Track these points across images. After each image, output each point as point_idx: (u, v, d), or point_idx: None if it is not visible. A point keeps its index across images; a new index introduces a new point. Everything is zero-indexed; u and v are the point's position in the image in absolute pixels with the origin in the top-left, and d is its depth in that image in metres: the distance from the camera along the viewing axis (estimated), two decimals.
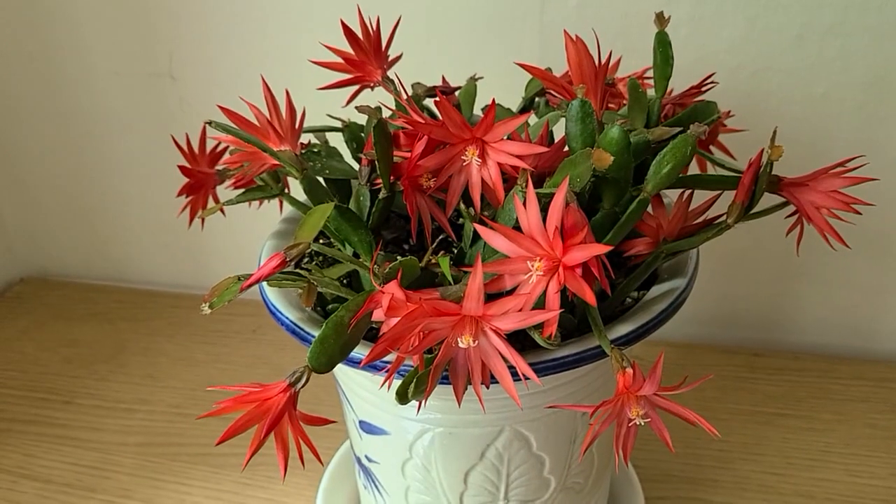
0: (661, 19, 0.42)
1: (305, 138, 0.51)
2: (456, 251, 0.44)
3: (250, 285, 0.33)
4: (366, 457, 0.47)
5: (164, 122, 0.79)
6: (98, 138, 0.85)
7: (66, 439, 0.69)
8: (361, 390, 0.43)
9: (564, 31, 0.40)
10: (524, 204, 0.31)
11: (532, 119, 0.53)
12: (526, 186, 0.37)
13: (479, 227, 0.33)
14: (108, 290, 0.91)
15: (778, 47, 0.64)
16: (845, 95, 0.64)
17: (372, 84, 0.47)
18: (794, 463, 0.62)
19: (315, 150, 0.50)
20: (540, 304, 0.31)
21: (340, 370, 0.44)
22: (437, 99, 0.37)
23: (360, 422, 0.45)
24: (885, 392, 0.69)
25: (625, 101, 0.48)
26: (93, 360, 0.79)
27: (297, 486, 0.62)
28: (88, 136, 0.85)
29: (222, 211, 0.51)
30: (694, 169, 0.53)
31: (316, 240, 0.50)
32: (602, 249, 0.29)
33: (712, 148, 0.52)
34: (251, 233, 0.61)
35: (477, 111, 0.53)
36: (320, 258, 0.47)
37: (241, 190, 0.48)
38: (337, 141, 0.48)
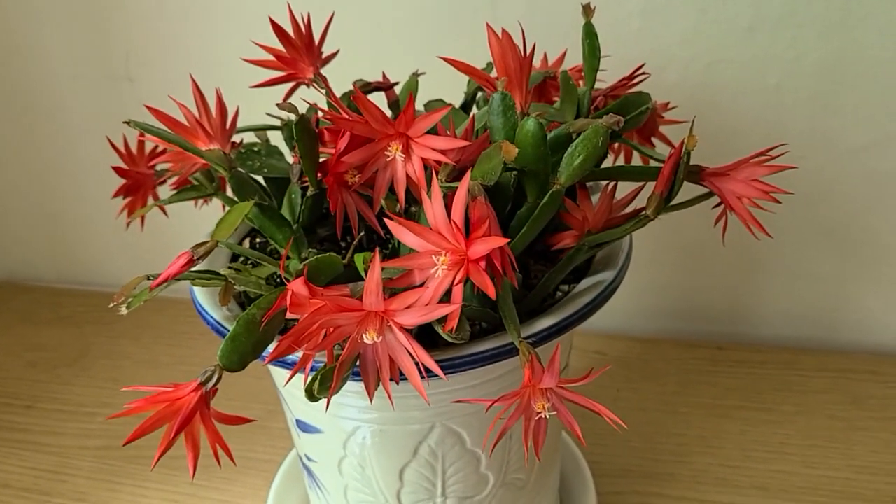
0: (587, 10, 0.42)
1: (250, 137, 0.51)
2: (390, 247, 0.44)
3: (158, 285, 0.33)
4: (306, 456, 0.47)
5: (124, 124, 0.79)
6: (60, 141, 0.84)
7: (26, 444, 0.69)
8: (294, 389, 0.43)
9: (487, 24, 0.39)
10: (430, 198, 0.31)
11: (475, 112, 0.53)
12: (445, 181, 0.37)
13: (388, 223, 0.32)
14: (74, 293, 0.91)
15: (730, 39, 0.63)
16: (798, 86, 0.64)
17: (305, 81, 0.46)
18: (751, 455, 0.62)
19: (255, 148, 0.49)
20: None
21: (274, 369, 0.44)
22: (355, 95, 0.37)
23: (297, 420, 0.45)
24: (845, 383, 0.68)
25: None
26: (56, 364, 0.79)
27: (253, 487, 0.62)
28: (51, 140, 0.85)
29: (162, 210, 0.51)
30: (638, 163, 0.52)
31: (254, 238, 0.50)
32: (501, 242, 0.29)
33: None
34: (211, 229, 0.61)
35: (419, 107, 0.52)
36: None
37: (177, 190, 0.48)
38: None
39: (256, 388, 0.69)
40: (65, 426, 0.71)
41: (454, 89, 0.52)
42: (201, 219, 0.60)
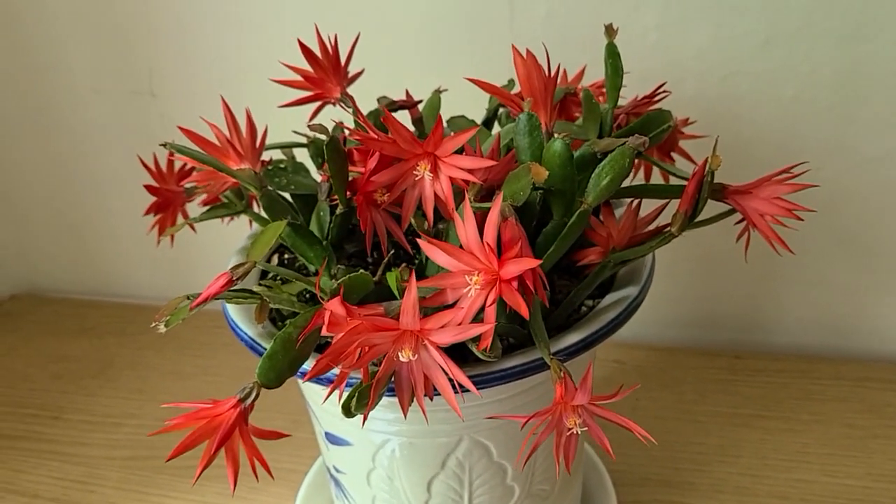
0: (610, 31, 0.42)
1: (277, 154, 0.52)
2: (417, 263, 0.45)
3: (198, 305, 0.34)
4: (334, 467, 0.48)
5: (147, 138, 0.80)
6: (84, 155, 0.86)
7: (54, 454, 0.70)
8: (327, 404, 0.44)
9: (513, 46, 0.40)
10: (462, 219, 0.32)
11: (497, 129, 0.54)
12: (473, 200, 0.38)
13: (421, 243, 0.33)
14: (98, 305, 0.92)
15: (746, 51, 0.64)
16: (815, 97, 0.65)
17: (332, 101, 0.47)
18: (770, 464, 0.62)
19: (282, 165, 0.50)
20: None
21: (306, 384, 0.45)
22: (384, 115, 0.37)
23: (326, 433, 0.46)
24: (863, 391, 0.69)
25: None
26: (81, 376, 0.80)
27: (279, 496, 0.63)
28: (74, 154, 0.86)
29: (192, 227, 0.52)
30: (657, 178, 0.53)
31: (282, 255, 0.51)
32: (533, 264, 0.30)
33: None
34: (240, 245, 0.63)
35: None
36: None
37: (208, 207, 0.49)
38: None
39: (281, 399, 0.69)
40: (91, 437, 0.72)
41: (474, 102, 0.53)
42: (225, 230, 0.61)
